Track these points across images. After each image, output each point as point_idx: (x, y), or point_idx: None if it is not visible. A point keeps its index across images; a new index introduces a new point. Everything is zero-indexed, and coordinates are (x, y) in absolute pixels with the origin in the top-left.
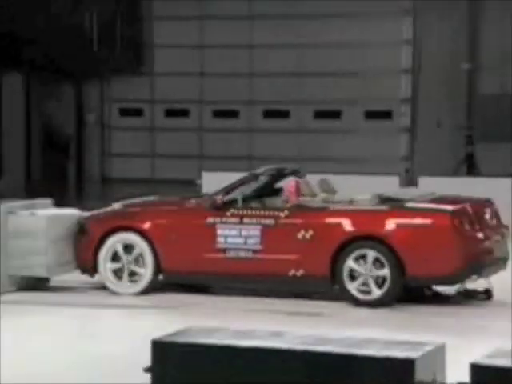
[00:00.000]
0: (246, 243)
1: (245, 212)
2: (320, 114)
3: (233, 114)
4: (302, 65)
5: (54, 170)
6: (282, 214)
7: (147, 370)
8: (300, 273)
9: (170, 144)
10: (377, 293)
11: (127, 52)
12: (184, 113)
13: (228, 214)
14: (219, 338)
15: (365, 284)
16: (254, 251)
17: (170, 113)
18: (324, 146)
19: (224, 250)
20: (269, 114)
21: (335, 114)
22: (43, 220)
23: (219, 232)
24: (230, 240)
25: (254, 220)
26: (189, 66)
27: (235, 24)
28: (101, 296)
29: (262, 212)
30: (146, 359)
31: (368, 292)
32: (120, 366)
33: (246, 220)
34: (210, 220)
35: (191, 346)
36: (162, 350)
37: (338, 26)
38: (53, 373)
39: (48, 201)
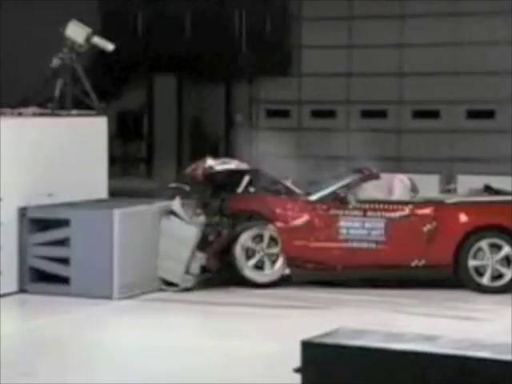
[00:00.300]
0: (369, 235)
1: (367, 206)
2: (472, 114)
3: (381, 114)
4: (453, 64)
5: None
6: (406, 208)
7: (297, 370)
8: (422, 263)
9: (317, 145)
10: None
11: (275, 53)
12: (331, 114)
13: (350, 207)
14: (369, 340)
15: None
16: (378, 242)
17: (317, 114)
18: (477, 146)
19: (346, 241)
20: (418, 114)
21: (488, 114)
22: (194, 230)
23: (342, 224)
24: (352, 231)
25: (378, 213)
26: (336, 66)
27: (384, 23)
28: (243, 295)
29: (386, 206)
30: (296, 359)
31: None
32: (270, 366)
33: (369, 213)
34: (332, 212)
35: (341, 348)
36: (312, 351)
37: (492, 24)
38: (203, 369)
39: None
